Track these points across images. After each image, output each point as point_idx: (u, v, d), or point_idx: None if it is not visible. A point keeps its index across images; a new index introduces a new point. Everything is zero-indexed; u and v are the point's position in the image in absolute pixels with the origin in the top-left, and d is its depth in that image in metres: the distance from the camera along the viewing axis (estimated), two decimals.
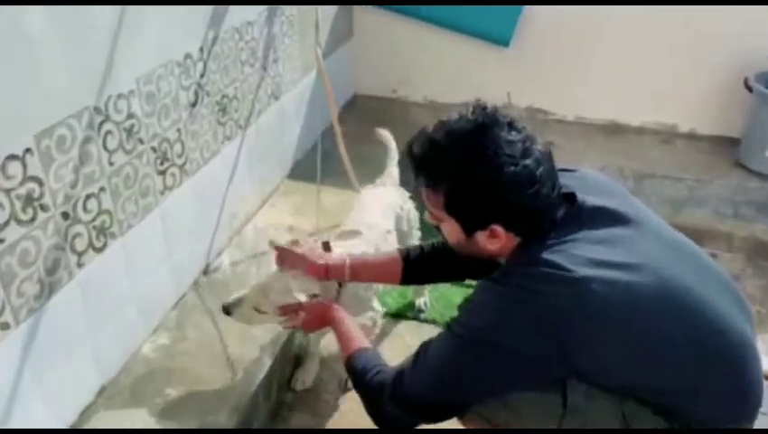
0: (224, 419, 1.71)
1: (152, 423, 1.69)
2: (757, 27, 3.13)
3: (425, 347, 1.38)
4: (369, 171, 2.40)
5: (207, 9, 2.07)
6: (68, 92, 1.51)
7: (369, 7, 3.63)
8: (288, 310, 1.66)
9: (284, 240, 1.78)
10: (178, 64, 1.94)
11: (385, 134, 2.40)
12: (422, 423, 1.40)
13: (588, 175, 1.44)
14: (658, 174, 3.17)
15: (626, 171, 3.20)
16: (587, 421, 1.29)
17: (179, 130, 1.98)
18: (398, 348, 2.21)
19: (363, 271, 1.74)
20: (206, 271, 2.26)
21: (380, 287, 1.99)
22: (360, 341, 1.54)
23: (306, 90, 2.96)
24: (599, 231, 1.29)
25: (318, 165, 2.46)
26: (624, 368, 1.27)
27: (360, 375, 1.44)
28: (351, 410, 1.98)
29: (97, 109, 1.61)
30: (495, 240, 1.31)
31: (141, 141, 1.80)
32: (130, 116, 1.74)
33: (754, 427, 1.35)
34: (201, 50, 2.06)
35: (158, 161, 1.90)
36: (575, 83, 3.51)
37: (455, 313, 1.35)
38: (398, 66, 3.75)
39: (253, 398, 1.80)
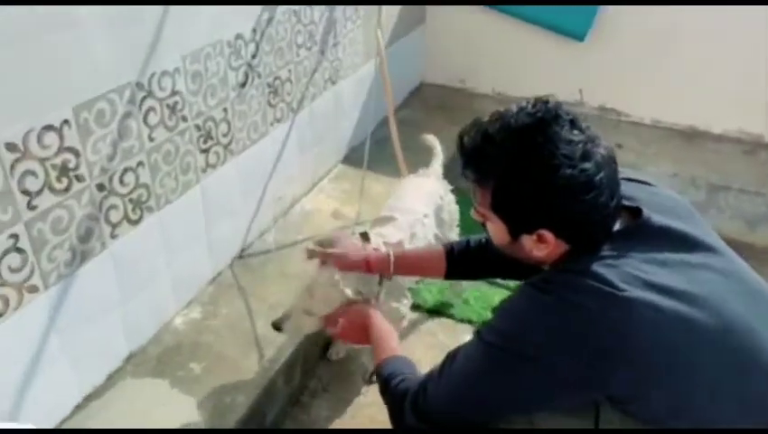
0: (241, 399, 1.73)
1: (171, 395, 1.73)
2: None
3: (452, 356, 1.30)
4: (427, 161, 2.35)
5: None
6: (110, 67, 1.55)
7: None
8: (330, 320, 1.64)
9: (329, 228, 1.77)
10: (228, 44, 1.95)
11: (432, 140, 2.37)
12: None
13: (663, 193, 1.33)
14: (734, 186, 2.95)
15: (699, 181, 3.00)
16: None
17: (225, 110, 2.00)
18: (432, 346, 2.17)
19: (406, 265, 1.71)
20: (246, 251, 2.29)
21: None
22: (393, 349, 1.48)
23: (367, 77, 2.93)
24: (660, 253, 1.18)
25: (366, 152, 2.44)
26: (662, 402, 1.15)
27: (386, 382, 1.39)
28: (373, 403, 1.96)
29: (139, 85, 1.64)
30: (542, 246, 1.22)
31: (184, 118, 1.83)
32: (174, 93, 1.77)
33: None
34: (254, 31, 2.07)
35: (201, 139, 1.92)
36: (652, 84, 3.32)
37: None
38: (468, 55, 3.67)
39: (272, 381, 1.81)
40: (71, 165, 1.49)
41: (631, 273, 1.13)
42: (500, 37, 3.52)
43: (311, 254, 1.71)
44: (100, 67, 1.52)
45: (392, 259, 1.68)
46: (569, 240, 1.21)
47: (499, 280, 2.43)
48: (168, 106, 1.76)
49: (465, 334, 2.20)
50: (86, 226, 1.57)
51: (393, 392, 1.36)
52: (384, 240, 1.80)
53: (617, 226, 1.22)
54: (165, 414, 1.68)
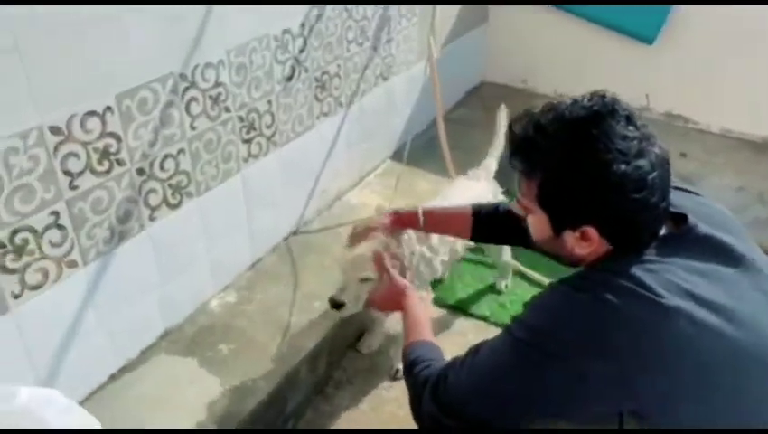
0: (263, 384, 1.79)
1: (199, 374, 1.81)
2: None
3: (476, 348, 1.28)
4: (478, 160, 2.34)
5: None
6: (154, 58, 1.63)
7: None
8: (380, 266, 1.66)
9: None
10: (275, 39, 2.00)
11: (502, 116, 2.30)
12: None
13: (712, 205, 1.29)
14: None
15: (767, 196, 2.83)
16: None
17: (269, 102, 2.06)
18: (463, 346, 2.15)
19: (434, 222, 1.76)
20: (287, 240, 2.35)
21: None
22: (424, 333, 1.47)
23: (420, 75, 2.93)
24: (703, 264, 1.14)
25: (406, 151, 2.45)
26: (689, 417, 1.10)
27: (410, 366, 1.38)
28: (395, 399, 1.98)
29: (182, 76, 1.72)
30: (585, 244, 1.19)
31: (227, 109, 1.90)
32: (217, 84, 1.84)
33: None
34: (303, 26, 2.11)
35: (244, 130, 1.99)
36: (723, 90, 3.16)
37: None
38: (531, 55, 3.60)
39: (295, 369, 1.86)
40: (113, 150, 1.58)
41: (671, 280, 1.10)
42: (564, 37, 3.44)
43: (353, 239, 1.75)
44: (143, 57, 1.60)
45: (421, 213, 1.74)
46: (613, 239, 1.18)
47: (538, 282, 2.41)
48: (211, 97, 1.83)
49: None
50: (125, 208, 1.66)
51: (415, 377, 1.35)
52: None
53: (662, 231, 1.18)
54: (191, 391, 1.76)
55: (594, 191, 1.12)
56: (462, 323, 2.24)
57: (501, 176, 2.27)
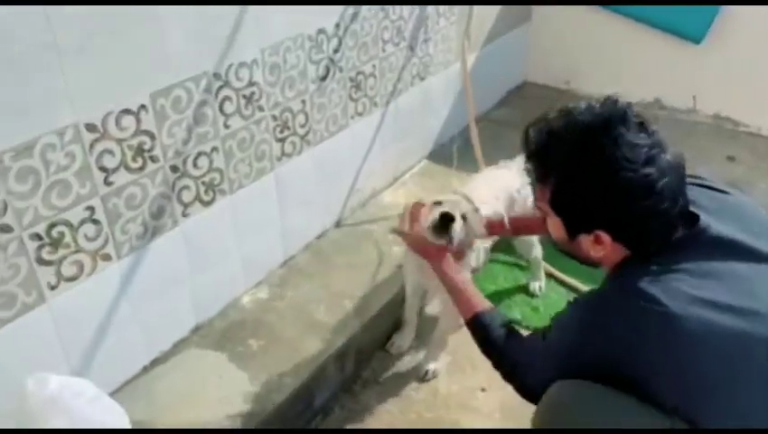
0: (290, 380, 1.81)
1: (228, 368, 1.84)
2: None
3: (543, 333, 1.39)
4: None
5: None
6: (188, 58, 1.66)
7: None
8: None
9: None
10: (309, 38, 2.02)
11: None
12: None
13: (739, 203, 1.30)
14: None
15: None
16: None
17: (303, 102, 2.08)
18: None
19: (518, 225, 1.88)
20: (319, 238, 2.37)
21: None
22: (482, 302, 1.54)
23: (458, 75, 2.90)
24: (718, 263, 1.19)
25: (454, 154, 2.43)
26: (724, 411, 1.16)
27: (490, 342, 1.48)
28: (423, 401, 1.97)
29: (216, 75, 1.75)
30: (599, 248, 1.24)
31: (261, 108, 1.93)
32: (251, 84, 1.86)
33: None
34: (338, 26, 2.12)
35: (278, 129, 2.01)
36: None
37: None
38: (574, 56, 3.54)
39: (322, 366, 1.87)
40: (147, 147, 1.62)
41: (678, 288, 1.15)
42: (608, 37, 3.37)
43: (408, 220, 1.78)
44: (178, 57, 1.63)
45: (505, 219, 1.85)
46: (628, 244, 1.23)
47: (572, 286, 2.38)
48: (244, 96, 1.86)
49: None
50: (158, 204, 1.70)
51: (501, 362, 1.44)
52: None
53: (678, 233, 1.22)
54: (220, 385, 1.79)
55: (601, 197, 1.17)
56: None
57: None
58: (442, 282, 1.65)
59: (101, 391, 1.38)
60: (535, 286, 2.37)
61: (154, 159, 1.65)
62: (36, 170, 1.40)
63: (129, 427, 1.40)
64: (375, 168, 2.57)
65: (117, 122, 1.53)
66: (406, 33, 2.49)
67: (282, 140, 2.05)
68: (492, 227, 1.84)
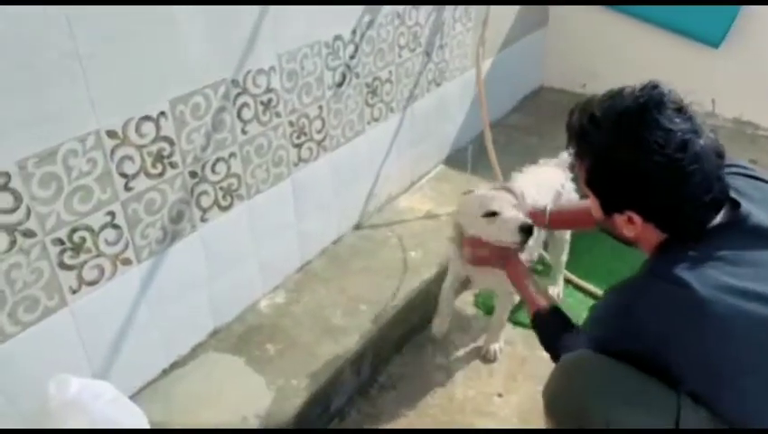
0: (306, 384, 1.82)
1: (245, 372, 1.86)
2: None
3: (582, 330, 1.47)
4: (530, 165, 2.31)
5: None
6: (207, 65, 1.68)
7: None
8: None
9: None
10: (326, 45, 2.04)
11: None
12: None
13: None
14: None
15: None
16: None
17: (320, 108, 2.10)
18: (510, 356, 2.14)
19: (560, 219, 1.93)
20: (336, 243, 2.38)
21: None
22: (544, 300, 1.63)
23: (474, 80, 2.91)
24: (757, 251, 1.21)
25: (468, 160, 2.44)
26: (752, 393, 1.20)
27: (545, 342, 1.59)
28: (438, 404, 1.97)
29: (234, 82, 1.77)
30: (631, 227, 1.30)
31: (278, 114, 1.95)
32: (269, 90, 1.88)
33: None
34: (354, 32, 2.14)
35: (294, 134, 2.03)
36: None
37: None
38: (591, 59, 3.52)
39: (339, 371, 1.88)
40: (166, 153, 1.65)
41: (711, 275, 1.17)
42: (625, 41, 3.36)
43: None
44: (197, 64, 1.66)
45: (548, 211, 1.90)
46: (659, 226, 1.27)
47: (591, 293, 2.37)
48: (262, 102, 1.88)
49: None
50: (177, 209, 1.73)
51: (555, 359, 1.49)
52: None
53: (717, 219, 1.25)
54: (237, 389, 1.81)
55: (631, 179, 1.23)
56: (509, 332, 2.21)
57: None
58: (513, 284, 1.74)
59: (121, 394, 1.40)
60: (554, 292, 2.36)
61: (173, 165, 1.68)
62: (58, 176, 1.43)
63: (148, 427, 1.42)
64: (391, 173, 2.58)
65: (138, 129, 1.56)
66: (422, 38, 2.50)
67: (299, 146, 2.07)
68: (533, 216, 1.85)
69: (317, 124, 2.11)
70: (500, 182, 2.14)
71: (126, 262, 1.64)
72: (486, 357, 2.12)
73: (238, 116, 1.82)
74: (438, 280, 2.23)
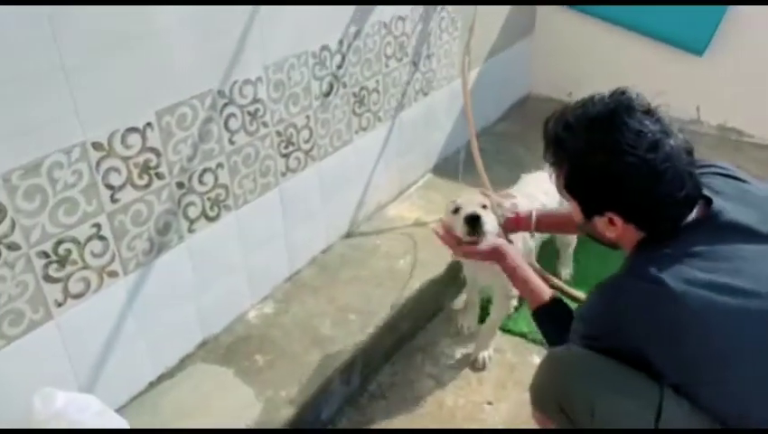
0: (296, 394, 1.81)
1: (234, 383, 1.85)
2: None
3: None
4: (518, 173, 2.38)
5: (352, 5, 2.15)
6: (193, 76, 1.68)
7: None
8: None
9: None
10: (313, 55, 2.04)
11: None
12: None
13: (759, 192, 1.35)
14: None
15: None
16: None
17: (308, 117, 2.10)
18: (500, 364, 2.14)
19: (547, 222, 1.96)
20: (325, 252, 2.38)
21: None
22: (545, 293, 1.63)
23: (461, 89, 2.93)
24: (728, 246, 1.24)
25: (460, 169, 2.45)
26: (736, 381, 1.22)
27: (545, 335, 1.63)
28: (429, 414, 1.97)
29: (221, 93, 1.77)
30: (613, 229, 1.34)
31: (265, 124, 1.95)
32: (255, 100, 1.89)
33: None
34: (341, 42, 2.15)
35: (282, 144, 2.03)
36: None
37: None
38: (577, 68, 3.56)
39: (328, 380, 1.88)
40: (153, 164, 1.64)
41: (683, 270, 1.20)
42: (611, 49, 3.39)
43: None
44: (183, 75, 1.65)
45: (534, 215, 1.93)
46: (640, 225, 1.31)
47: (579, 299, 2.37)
48: (249, 112, 1.88)
49: (534, 355, 2.14)
50: (164, 220, 1.72)
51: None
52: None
53: (692, 216, 1.29)
54: (225, 400, 1.80)
55: (607, 181, 1.27)
56: (498, 339, 2.21)
57: None
58: (509, 277, 1.75)
59: (106, 407, 1.39)
60: (565, 272, 2.49)
61: (159, 176, 1.67)
62: (43, 188, 1.42)
63: None
64: (380, 182, 2.59)
65: (124, 140, 1.56)
66: (408, 48, 2.51)
67: (286, 156, 2.07)
68: (518, 221, 1.94)
69: (305, 134, 2.11)
70: (504, 190, 2.18)
71: (113, 274, 1.63)
72: (476, 365, 2.12)
73: (225, 126, 1.82)
74: (428, 288, 2.24)
